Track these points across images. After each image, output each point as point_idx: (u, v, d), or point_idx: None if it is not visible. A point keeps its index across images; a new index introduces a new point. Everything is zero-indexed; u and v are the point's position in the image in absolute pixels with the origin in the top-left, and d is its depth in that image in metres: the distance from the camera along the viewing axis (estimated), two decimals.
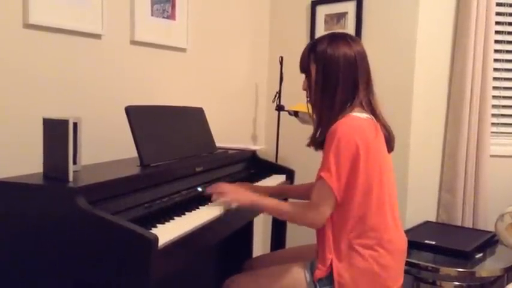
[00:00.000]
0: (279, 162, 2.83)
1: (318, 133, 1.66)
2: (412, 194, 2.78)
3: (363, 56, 1.65)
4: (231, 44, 2.90)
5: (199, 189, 1.84)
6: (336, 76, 1.61)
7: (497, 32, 2.75)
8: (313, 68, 1.65)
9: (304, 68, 1.70)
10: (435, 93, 2.80)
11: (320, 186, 1.56)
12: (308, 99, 1.72)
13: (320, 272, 1.59)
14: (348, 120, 1.56)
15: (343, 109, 1.60)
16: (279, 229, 2.48)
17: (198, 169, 1.89)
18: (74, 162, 1.48)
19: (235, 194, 1.71)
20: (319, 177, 1.56)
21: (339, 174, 1.53)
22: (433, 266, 2.24)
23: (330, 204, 1.56)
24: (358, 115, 1.59)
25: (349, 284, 1.55)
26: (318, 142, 1.66)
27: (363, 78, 1.63)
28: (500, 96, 2.84)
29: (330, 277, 1.58)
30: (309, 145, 1.70)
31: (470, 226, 2.75)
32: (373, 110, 1.64)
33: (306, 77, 1.70)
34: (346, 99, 1.61)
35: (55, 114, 1.72)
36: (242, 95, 3.05)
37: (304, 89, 1.72)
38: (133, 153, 1.72)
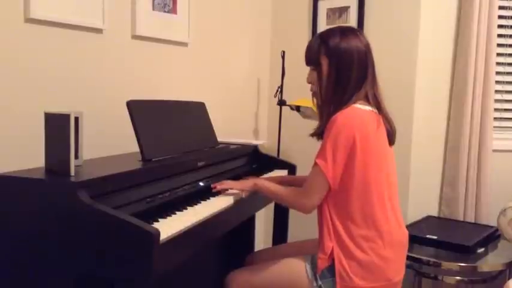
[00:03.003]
0: (281, 157, 2.83)
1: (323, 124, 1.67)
2: (414, 188, 2.78)
3: (370, 49, 1.67)
4: (233, 39, 2.89)
5: (202, 184, 1.84)
6: (350, 70, 1.62)
7: (500, 26, 2.74)
8: (324, 62, 1.65)
9: (313, 60, 1.69)
10: (437, 87, 2.79)
11: (314, 173, 1.59)
12: (313, 92, 1.72)
13: (322, 262, 1.59)
14: (348, 111, 1.58)
15: (349, 100, 1.61)
16: (281, 224, 2.48)
17: (199, 164, 1.89)
18: (76, 157, 1.48)
19: (240, 184, 1.82)
20: (315, 164, 1.59)
21: (334, 163, 1.55)
22: (435, 260, 2.25)
23: (322, 191, 1.58)
24: (361, 107, 1.61)
25: (350, 276, 1.56)
26: (319, 132, 1.68)
27: (371, 70, 1.66)
28: (502, 91, 2.83)
29: (331, 269, 1.58)
30: (312, 135, 1.71)
31: (472, 221, 2.75)
32: (378, 103, 1.65)
33: (314, 69, 1.69)
34: (356, 92, 1.63)
35: (56, 108, 1.72)
36: (244, 89, 3.04)
37: (309, 82, 1.71)
38: (135, 147, 1.72)
